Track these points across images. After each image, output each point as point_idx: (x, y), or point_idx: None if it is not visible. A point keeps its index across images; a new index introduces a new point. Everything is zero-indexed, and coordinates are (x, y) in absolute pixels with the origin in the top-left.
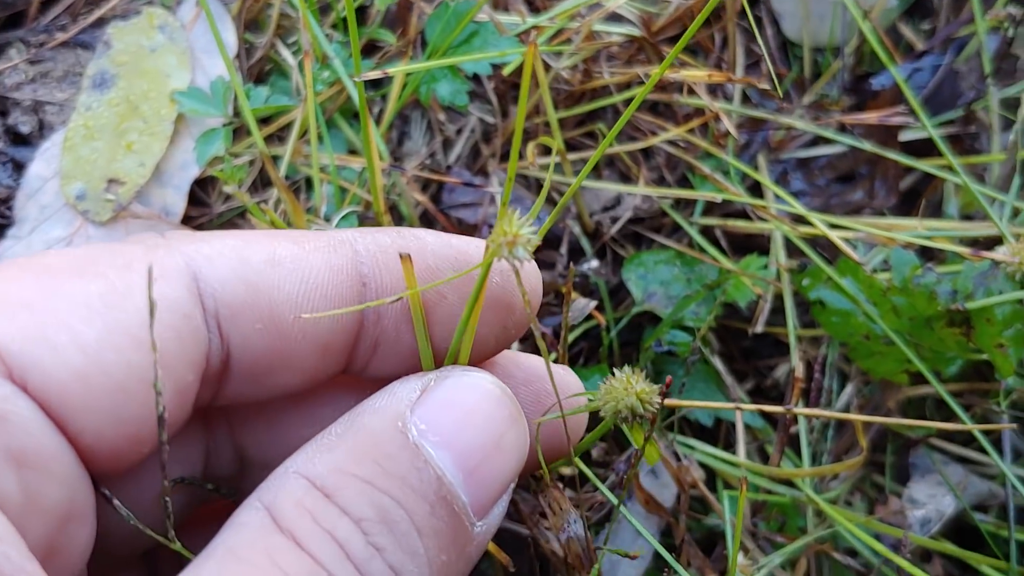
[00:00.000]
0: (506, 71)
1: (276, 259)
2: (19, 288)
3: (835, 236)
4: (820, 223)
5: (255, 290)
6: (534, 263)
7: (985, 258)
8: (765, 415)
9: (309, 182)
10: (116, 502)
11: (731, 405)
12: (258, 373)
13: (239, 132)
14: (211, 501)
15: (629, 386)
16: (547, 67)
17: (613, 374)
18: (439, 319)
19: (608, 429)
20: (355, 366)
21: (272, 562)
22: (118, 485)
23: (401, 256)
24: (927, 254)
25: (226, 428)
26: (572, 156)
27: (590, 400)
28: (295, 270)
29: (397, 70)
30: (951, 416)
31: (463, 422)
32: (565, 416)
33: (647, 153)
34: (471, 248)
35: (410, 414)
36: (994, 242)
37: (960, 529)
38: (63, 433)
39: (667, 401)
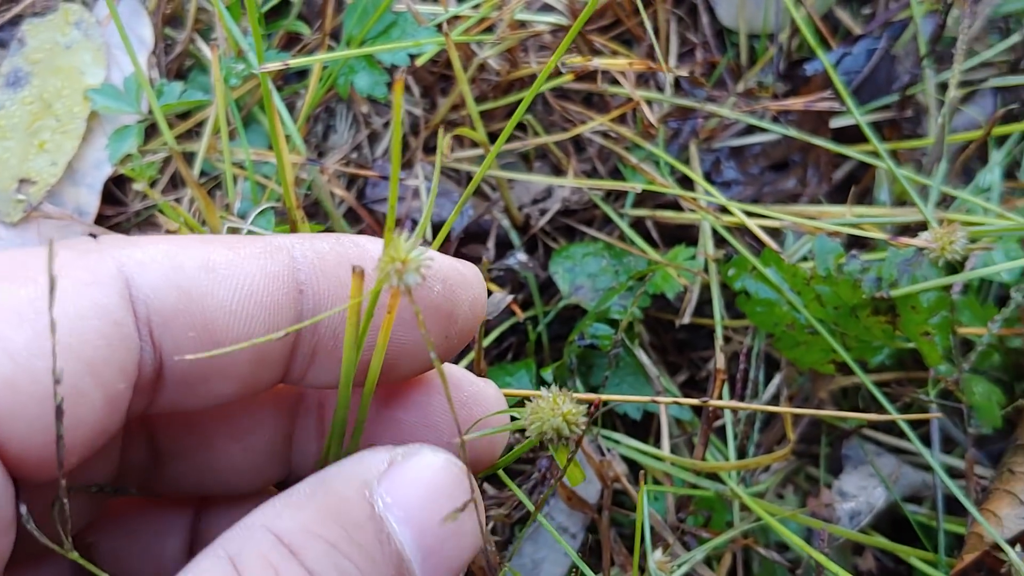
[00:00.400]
0: (419, 61)
1: (210, 265)
2: None
3: (754, 225)
4: (740, 213)
5: (188, 297)
6: (476, 269)
7: (908, 244)
8: (693, 407)
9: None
10: (23, 511)
11: (647, 398)
12: (192, 382)
13: (155, 129)
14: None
15: (556, 407)
16: (471, 57)
17: (543, 386)
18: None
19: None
20: (292, 376)
21: None
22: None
23: (353, 269)
24: (859, 242)
25: (144, 438)
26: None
27: (514, 419)
28: (230, 276)
29: (305, 61)
30: (883, 405)
31: (427, 501)
32: (489, 434)
33: (579, 145)
34: None
35: (377, 485)
36: (924, 228)
37: (896, 520)
38: None
39: (584, 396)
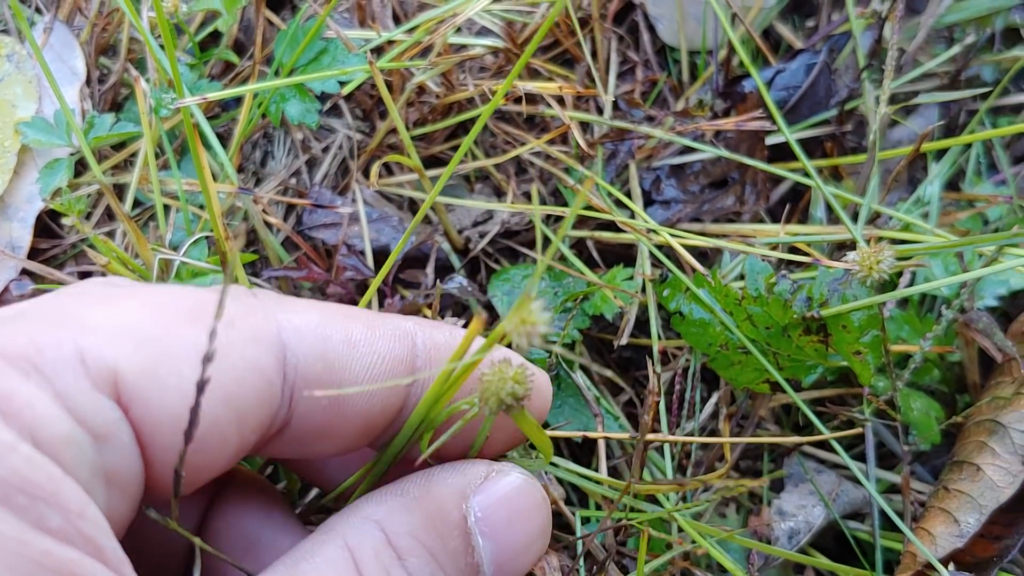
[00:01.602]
0: (345, 90)
1: (352, 341)
2: (141, 320)
3: (680, 247)
4: (667, 235)
5: (331, 369)
6: (547, 377)
7: (835, 266)
8: (635, 423)
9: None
10: (158, 516)
11: (581, 433)
12: (305, 440)
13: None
14: None
15: (502, 374)
16: (408, 79)
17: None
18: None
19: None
20: (377, 443)
21: None
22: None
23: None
24: (794, 261)
25: None
26: (436, 172)
27: (469, 406)
28: (367, 355)
29: (233, 92)
30: (822, 423)
31: (509, 519)
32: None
33: (520, 166)
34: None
35: (472, 497)
36: (856, 246)
37: (839, 536)
38: (143, 462)
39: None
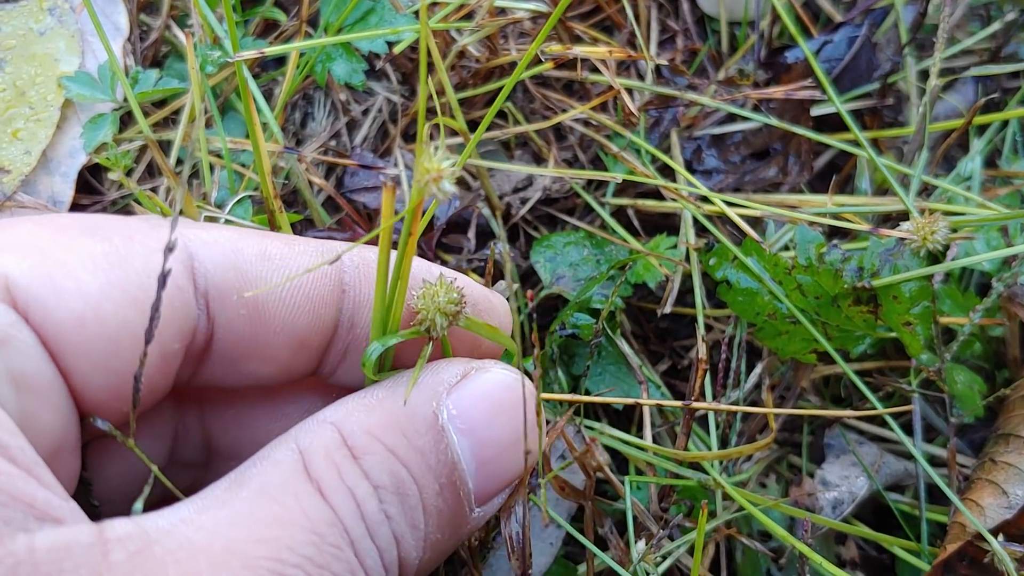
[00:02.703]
0: (397, 49)
1: (267, 254)
2: (33, 236)
3: (735, 215)
4: (720, 202)
5: (244, 278)
6: (503, 299)
7: (890, 235)
8: (675, 392)
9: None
10: (104, 425)
11: (631, 400)
12: (236, 358)
13: (131, 117)
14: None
15: (432, 293)
16: (451, 43)
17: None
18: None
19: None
20: (325, 369)
21: (299, 506)
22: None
23: (384, 183)
24: (840, 231)
25: (196, 416)
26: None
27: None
28: (283, 267)
29: (281, 49)
30: (865, 395)
31: (490, 415)
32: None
33: (561, 133)
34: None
35: (445, 396)
36: (905, 217)
37: (879, 508)
38: (57, 368)
39: (567, 397)
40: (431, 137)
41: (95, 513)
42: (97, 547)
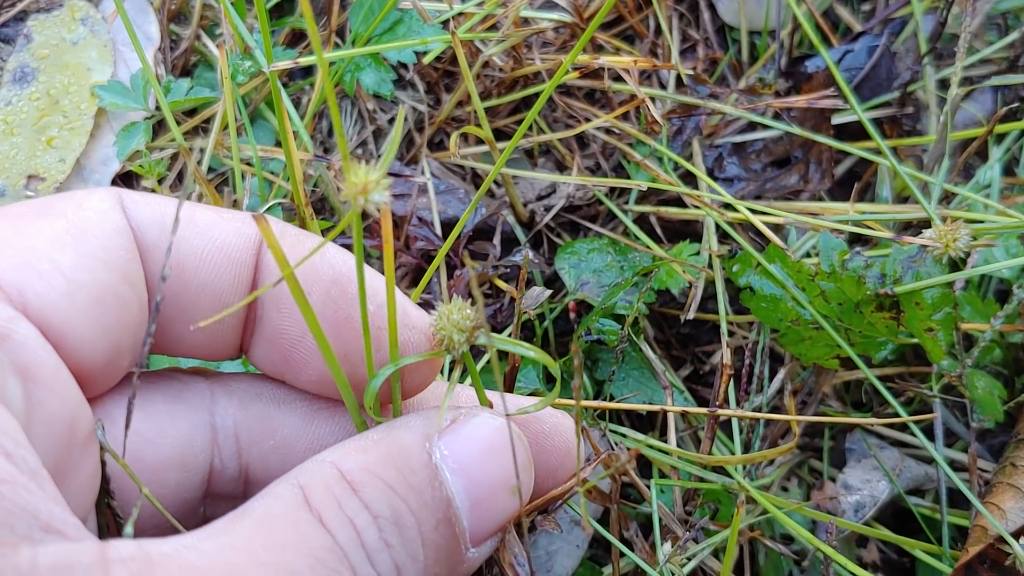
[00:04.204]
0: (426, 59)
1: (194, 220)
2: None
3: (759, 222)
4: (744, 209)
5: (167, 237)
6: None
7: (912, 242)
8: (697, 397)
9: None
10: (103, 435)
11: (657, 407)
12: (164, 320)
13: (163, 125)
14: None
15: (447, 315)
16: (476, 54)
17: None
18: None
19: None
20: (250, 343)
21: (298, 533)
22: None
23: (255, 217)
24: (861, 238)
25: (233, 450)
26: (500, 145)
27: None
28: (207, 231)
29: (313, 59)
30: (886, 399)
31: (481, 457)
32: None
33: (583, 141)
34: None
35: (437, 438)
36: (926, 225)
37: (899, 512)
38: (59, 353)
39: (594, 403)
40: (456, 146)
41: (116, 516)
42: (99, 567)
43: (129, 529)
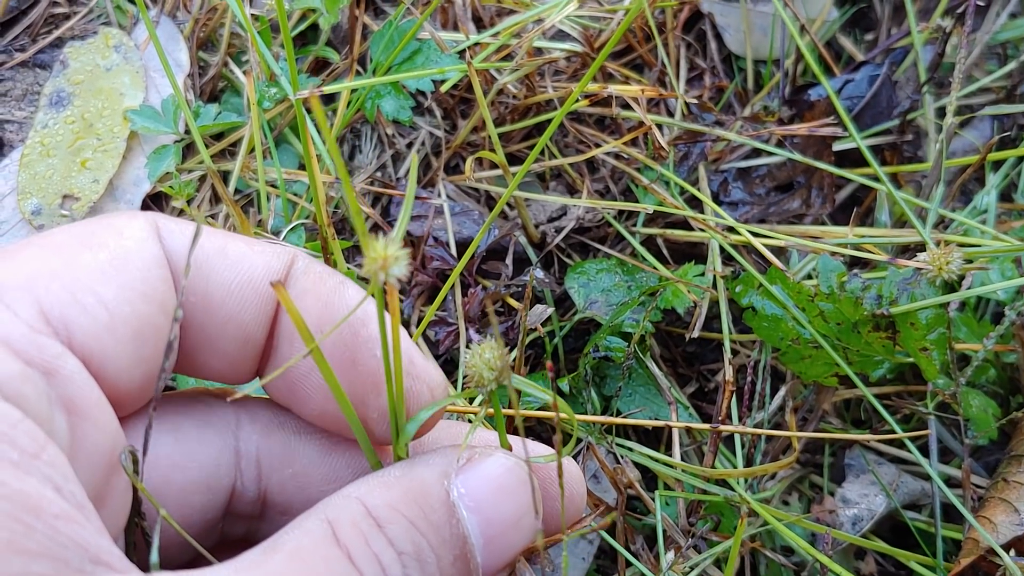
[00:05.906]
0: (444, 87)
1: (225, 251)
2: (43, 263)
3: (760, 244)
4: (746, 232)
5: (199, 271)
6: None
7: (907, 265)
8: (701, 413)
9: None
10: (130, 455)
11: (662, 423)
12: (188, 349)
13: (191, 148)
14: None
15: (479, 356)
16: (491, 82)
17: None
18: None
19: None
20: (265, 371)
21: (329, 568)
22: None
23: (273, 284)
24: (860, 261)
25: (254, 476)
26: (513, 169)
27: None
28: (237, 263)
29: (336, 87)
30: (884, 417)
31: (495, 496)
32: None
33: (593, 166)
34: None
35: (455, 476)
36: (922, 248)
37: (896, 526)
38: (99, 384)
39: (602, 419)
40: (472, 170)
41: (146, 536)
42: None
43: (155, 557)
